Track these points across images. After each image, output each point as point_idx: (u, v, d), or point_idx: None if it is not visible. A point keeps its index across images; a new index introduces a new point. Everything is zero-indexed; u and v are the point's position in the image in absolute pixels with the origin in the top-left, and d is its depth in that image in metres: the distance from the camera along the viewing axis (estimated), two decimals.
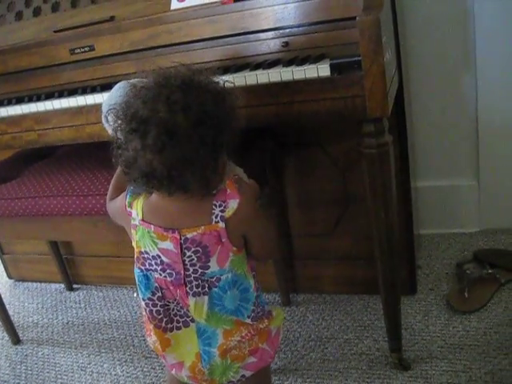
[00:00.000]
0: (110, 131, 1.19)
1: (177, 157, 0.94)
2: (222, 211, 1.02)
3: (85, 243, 2.26)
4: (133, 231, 1.10)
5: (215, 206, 1.02)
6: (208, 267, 1.06)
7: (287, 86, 1.24)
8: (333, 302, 1.89)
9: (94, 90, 1.49)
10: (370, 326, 1.73)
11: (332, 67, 1.20)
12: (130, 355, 1.83)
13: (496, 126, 1.97)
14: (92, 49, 1.59)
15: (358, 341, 1.68)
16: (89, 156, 1.75)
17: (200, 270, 1.06)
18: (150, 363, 1.76)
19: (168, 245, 1.05)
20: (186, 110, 0.94)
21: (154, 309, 1.12)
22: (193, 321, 1.12)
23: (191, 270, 1.06)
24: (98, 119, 1.42)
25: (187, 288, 1.07)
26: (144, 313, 1.16)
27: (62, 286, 2.36)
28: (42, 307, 2.26)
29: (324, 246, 1.87)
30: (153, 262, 1.08)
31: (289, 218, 1.88)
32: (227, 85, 1.06)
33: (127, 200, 1.10)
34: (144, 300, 1.13)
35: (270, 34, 1.40)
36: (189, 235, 1.03)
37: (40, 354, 1.94)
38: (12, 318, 2.02)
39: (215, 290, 1.08)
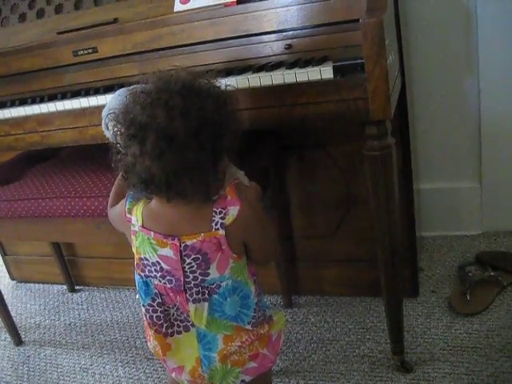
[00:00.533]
0: (109, 137, 1.19)
1: (175, 163, 0.94)
2: (222, 218, 1.02)
3: (87, 245, 2.26)
4: (133, 237, 1.10)
5: (215, 212, 1.02)
6: (208, 274, 1.05)
7: (290, 88, 1.24)
8: (335, 304, 1.89)
9: (97, 91, 1.49)
10: (372, 328, 1.73)
11: (335, 69, 1.20)
12: (133, 357, 1.83)
13: (498, 129, 1.97)
14: (95, 51, 1.59)
15: (360, 343, 1.68)
16: (91, 158, 1.75)
17: (200, 277, 1.05)
18: (152, 365, 1.76)
19: (168, 252, 1.04)
20: (184, 116, 0.94)
21: (155, 314, 1.11)
22: (193, 325, 1.11)
23: (191, 276, 1.05)
24: (101, 121, 1.43)
25: (187, 295, 1.07)
26: (144, 318, 1.15)
27: (65, 287, 2.36)
28: (44, 308, 2.26)
29: (326, 248, 1.87)
30: (152, 269, 1.08)
31: (291, 219, 1.88)
32: (228, 89, 1.05)
33: (127, 206, 1.10)
34: (144, 306, 1.12)
35: (273, 37, 1.39)
36: (188, 242, 1.03)
37: (42, 355, 1.94)
38: (14, 319, 2.03)
39: (215, 296, 1.07)
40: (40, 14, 1.77)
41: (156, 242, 1.05)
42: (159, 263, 1.06)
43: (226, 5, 1.44)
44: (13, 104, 1.59)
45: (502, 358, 1.50)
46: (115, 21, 1.62)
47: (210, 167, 0.98)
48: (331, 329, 1.77)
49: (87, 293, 2.32)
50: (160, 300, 1.10)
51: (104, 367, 1.81)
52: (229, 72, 1.35)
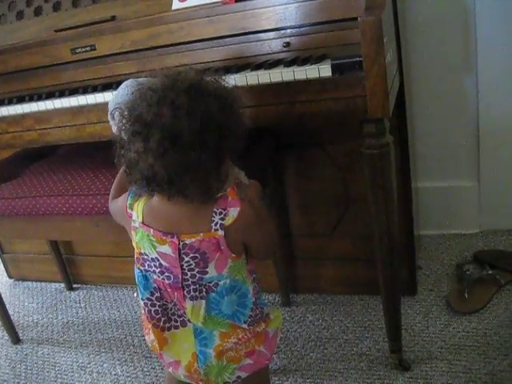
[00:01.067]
0: (114, 129, 1.19)
1: (178, 162, 0.94)
2: (221, 219, 1.02)
3: (85, 243, 2.26)
4: (132, 233, 1.10)
5: (215, 213, 1.02)
6: (206, 272, 1.05)
7: (288, 86, 1.24)
8: (333, 303, 1.89)
9: (95, 89, 1.49)
10: (370, 327, 1.73)
11: (333, 68, 1.20)
12: (130, 355, 1.83)
13: (497, 127, 1.97)
14: (93, 48, 1.59)
15: (358, 341, 1.68)
16: (89, 155, 1.75)
17: (198, 275, 1.06)
18: (149, 363, 1.76)
19: (166, 249, 1.04)
20: (190, 116, 0.94)
21: (153, 308, 1.12)
22: (190, 321, 1.12)
23: (189, 274, 1.06)
24: (99, 119, 1.43)
25: (185, 291, 1.07)
26: (143, 312, 1.16)
27: (62, 285, 2.36)
28: (42, 307, 2.26)
29: (324, 247, 1.87)
30: (152, 264, 1.09)
31: (289, 218, 1.88)
32: (235, 90, 1.05)
33: (128, 202, 1.10)
34: (143, 300, 1.13)
35: (272, 35, 1.40)
36: (187, 241, 1.03)
37: (40, 353, 1.94)
38: (12, 318, 2.02)
39: (213, 294, 1.07)
40: (38, 11, 1.77)
41: (155, 239, 1.05)
42: (158, 259, 1.07)
43: (223, 2, 1.44)
44: (10, 102, 1.59)
45: (499, 357, 1.50)
46: (113, 18, 1.62)
47: (213, 168, 0.98)
48: (329, 327, 1.77)
49: (85, 291, 2.31)
50: (158, 294, 1.11)
51: (102, 365, 1.80)
52: (227, 70, 1.35)
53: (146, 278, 1.11)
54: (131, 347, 1.87)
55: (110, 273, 2.26)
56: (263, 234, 1.10)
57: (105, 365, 1.80)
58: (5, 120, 1.57)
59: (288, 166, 1.81)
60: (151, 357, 1.77)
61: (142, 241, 1.08)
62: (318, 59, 1.26)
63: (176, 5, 1.52)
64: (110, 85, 1.48)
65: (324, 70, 1.20)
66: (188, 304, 1.08)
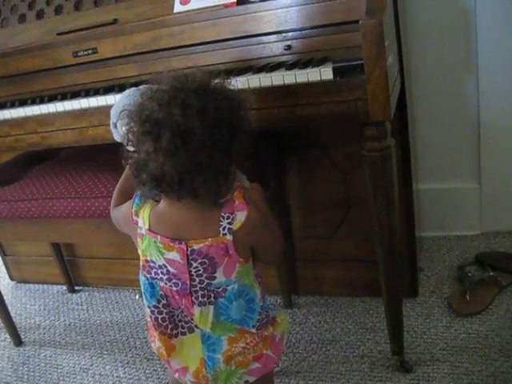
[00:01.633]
0: (117, 137, 1.19)
1: (189, 161, 0.94)
2: (229, 223, 1.01)
3: (87, 245, 2.26)
4: (139, 240, 1.09)
5: (223, 217, 1.01)
6: (214, 278, 1.05)
7: (290, 89, 1.24)
8: (334, 305, 1.89)
9: (97, 92, 1.49)
10: (371, 329, 1.73)
11: (335, 70, 1.20)
12: (132, 357, 1.83)
13: (498, 129, 1.97)
14: (95, 51, 1.59)
15: (360, 343, 1.68)
16: (91, 158, 1.75)
17: (206, 281, 1.05)
18: (152, 365, 1.76)
19: (174, 255, 1.04)
20: (201, 115, 0.94)
21: (160, 316, 1.11)
22: (197, 326, 1.11)
23: (197, 280, 1.05)
24: (101, 122, 1.43)
25: (193, 298, 1.07)
26: (149, 319, 1.15)
27: (64, 287, 2.37)
28: (44, 309, 2.26)
29: (326, 249, 1.88)
30: (159, 271, 1.08)
31: (291, 220, 1.88)
32: (242, 91, 1.05)
33: (133, 208, 1.09)
34: (149, 307, 1.12)
35: (273, 38, 1.40)
36: (196, 246, 1.02)
37: (42, 355, 1.94)
38: (14, 320, 2.03)
39: (221, 300, 1.07)
40: (40, 14, 1.77)
41: (163, 246, 1.04)
42: (165, 266, 1.06)
43: (225, 6, 1.44)
44: (13, 105, 1.59)
45: (501, 358, 1.50)
46: (115, 22, 1.62)
47: (223, 167, 0.98)
48: (331, 329, 1.78)
49: (87, 293, 2.32)
50: (165, 301, 1.10)
51: (104, 368, 1.81)
52: (229, 73, 1.35)
53: (152, 285, 1.10)
54: (133, 349, 1.87)
55: (112, 275, 2.26)
56: (271, 235, 1.10)
57: (107, 367, 1.81)
58: (7, 123, 1.57)
59: (289, 168, 1.81)
60: (153, 359, 1.77)
61: (148, 248, 1.07)
62: (320, 62, 1.26)
63: (178, 8, 1.52)
64: (112, 88, 1.48)
65: (325, 73, 1.21)
66: (196, 310, 1.07)
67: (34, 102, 1.56)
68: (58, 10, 1.74)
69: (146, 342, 1.84)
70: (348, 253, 1.85)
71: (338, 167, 1.75)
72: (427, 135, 2.06)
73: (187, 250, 1.02)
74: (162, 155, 0.94)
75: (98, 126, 1.45)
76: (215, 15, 1.44)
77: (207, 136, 0.94)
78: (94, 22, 1.64)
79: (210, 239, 1.02)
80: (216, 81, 1.02)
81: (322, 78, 1.21)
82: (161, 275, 1.08)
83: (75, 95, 1.53)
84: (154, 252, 1.06)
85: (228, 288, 1.06)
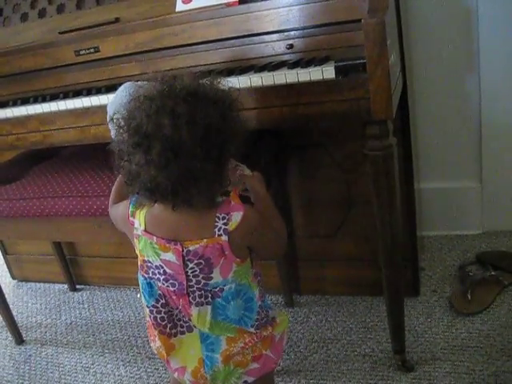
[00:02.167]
0: (113, 133, 1.19)
1: (182, 172, 0.93)
2: (225, 224, 1.00)
3: (88, 244, 2.26)
4: (135, 240, 1.09)
5: (218, 218, 1.01)
6: (211, 278, 1.05)
7: (292, 88, 1.24)
8: (336, 304, 1.89)
9: (99, 91, 1.49)
10: (373, 328, 1.73)
11: (337, 69, 1.20)
12: (134, 356, 1.83)
13: (499, 128, 1.97)
14: (97, 50, 1.59)
15: (362, 342, 1.68)
16: (93, 157, 1.76)
17: (203, 281, 1.05)
18: (153, 364, 1.76)
19: (170, 256, 1.03)
20: (191, 124, 0.92)
21: (159, 315, 1.11)
22: (196, 326, 1.11)
23: (194, 280, 1.05)
24: (103, 120, 1.42)
25: (190, 298, 1.06)
26: (148, 319, 1.15)
27: (66, 286, 2.37)
28: (46, 307, 2.26)
29: (327, 248, 1.88)
30: (156, 272, 1.08)
31: (292, 219, 1.88)
32: (231, 91, 1.03)
33: (130, 209, 1.09)
34: (148, 307, 1.12)
35: (275, 37, 1.40)
36: (191, 247, 1.01)
37: (43, 354, 1.94)
38: (15, 318, 2.03)
39: (218, 300, 1.07)
40: (42, 13, 1.77)
41: (158, 247, 1.04)
42: (162, 267, 1.06)
43: (227, 5, 1.44)
44: (15, 103, 1.60)
45: (502, 358, 1.50)
46: (117, 20, 1.62)
47: (217, 175, 0.98)
48: (332, 328, 1.78)
49: (88, 292, 2.32)
50: (164, 301, 1.10)
51: (105, 366, 1.81)
52: (231, 72, 1.36)
53: (150, 285, 1.10)
54: (135, 348, 1.87)
55: (114, 274, 2.26)
56: (271, 233, 1.10)
57: (108, 365, 1.81)
58: (9, 121, 1.57)
59: (291, 167, 1.81)
60: (155, 358, 1.77)
61: (145, 248, 1.07)
62: (322, 61, 1.26)
63: (180, 7, 1.52)
64: (114, 86, 1.48)
65: (327, 72, 1.21)
66: (194, 310, 1.07)
67: (36, 101, 1.57)
68: (60, 9, 1.74)
69: (148, 340, 1.82)
70: (349, 252, 1.85)
71: (340, 166, 1.75)
72: (429, 134, 2.06)
73: (183, 250, 1.02)
74: (154, 167, 0.93)
75: (99, 124, 1.45)
76: (217, 14, 1.44)
77: (198, 146, 0.92)
78: (96, 20, 1.64)
79: (205, 240, 1.01)
80: (204, 83, 1.00)
81: (324, 76, 1.21)
82: (158, 275, 1.07)
83: (77, 94, 1.53)
84: (150, 253, 1.06)
85: (225, 288, 1.06)
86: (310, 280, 1.95)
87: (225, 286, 1.06)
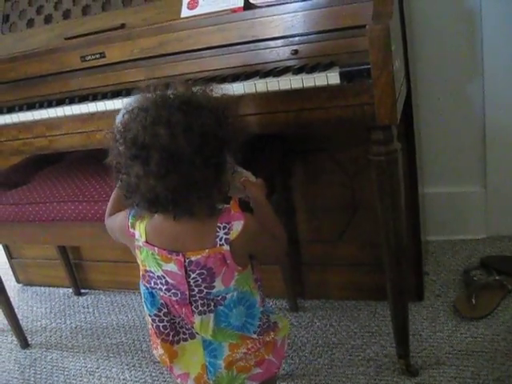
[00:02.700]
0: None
1: (181, 182, 0.93)
2: (226, 233, 1.01)
3: (93, 248, 2.27)
4: (137, 251, 1.09)
5: (219, 228, 1.01)
6: (213, 287, 1.05)
7: (297, 93, 1.25)
8: (340, 308, 1.89)
9: (104, 96, 1.50)
10: (377, 332, 1.73)
11: (341, 75, 1.20)
12: (139, 360, 1.84)
13: (504, 133, 1.97)
14: (103, 56, 1.60)
15: (366, 347, 1.68)
16: (99, 162, 1.75)
17: (205, 290, 1.05)
18: (158, 368, 1.77)
19: (172, 267, 1.04)
20: (188, 133, 0.92)
21: (161, 324, 1.12)
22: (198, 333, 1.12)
23: (196, 290, 1.05)
24: (109, 126, 1.42)
25: (192, 307, 1.07)
26: (150, 327, 1.16)
27: (70, 290, 2.38)
28: (51, 312, 2.27)
29: (331, 252, 1.88)
30: (158, 282, 1.08)
31: (296, 223, 1.88)
32: (225, 98, 1.04)
33: (130, 221, 1.09)
34: (150, 316, 1.12)
35: (280, 42, 1.40)
36: (193, 258, 1.02)
37: (49, 358, 1.95)
38: (20, 322, 2.04)
39: (221, 308, 1.07)
40: (48, 19, 1.78)
41: (160, 258, 1.04)
42: (164, 277, 1.06)
43: (232, 10, 1.45)
44: (21, 109, 1.60)
45: (507, 362, 1.50)
46: (122, 26, 1.63)
47: (216, 181, 0.98)
48: (337, 332, 1.78)
49: (93, 296, 2.33)
50: (166, 310, 1.11)
51: (110, 370, 1.81)
52: (236, 77, 1.36)
53: (152, 294, 1.10)
54: (139, 352, 1.88)
55: (118, 278, 2.27)
56: (271, 240, 1.10)
57: (113, 369, 1.81)
58: (15, 126, 1.58)
59: (296, 171, 1.81)
60: (159, 362, 1.77)
61: (147, 259, 1.07)
62: (326, 67, 1.26)
63: (185, 13, 1.53)
64: (120, 92, 1.49)
65: (332, 78, 1.21)
66: (196, 319, 1.08)
67: (42, 106, 1.57)
68: (66, 15, 1.76)
69: (152, 348, 1.84)
70: (354, 256, 1.85)
71: (344, 171, 1.76)
72: (433, 139, 2.06)
73: (185, 261, 1.02)
74: (153, 178, 0.93)
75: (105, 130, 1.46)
76: (222, 20, 1.44)
77: (196, 154, 0.93)
78: (101, 26, 1.65)
79: (207, 250, 1.01)
80: (197, 91, 1.00)
81: (329, 82, 1.22)
82: (160, 285, 1.08)
83: (83, 99, 1.54)
84: (152, 263, 1.06)
85: (227, 296, 1.06)
86: (314, 284, 1.95)
87: (227, 294, 1.06)
